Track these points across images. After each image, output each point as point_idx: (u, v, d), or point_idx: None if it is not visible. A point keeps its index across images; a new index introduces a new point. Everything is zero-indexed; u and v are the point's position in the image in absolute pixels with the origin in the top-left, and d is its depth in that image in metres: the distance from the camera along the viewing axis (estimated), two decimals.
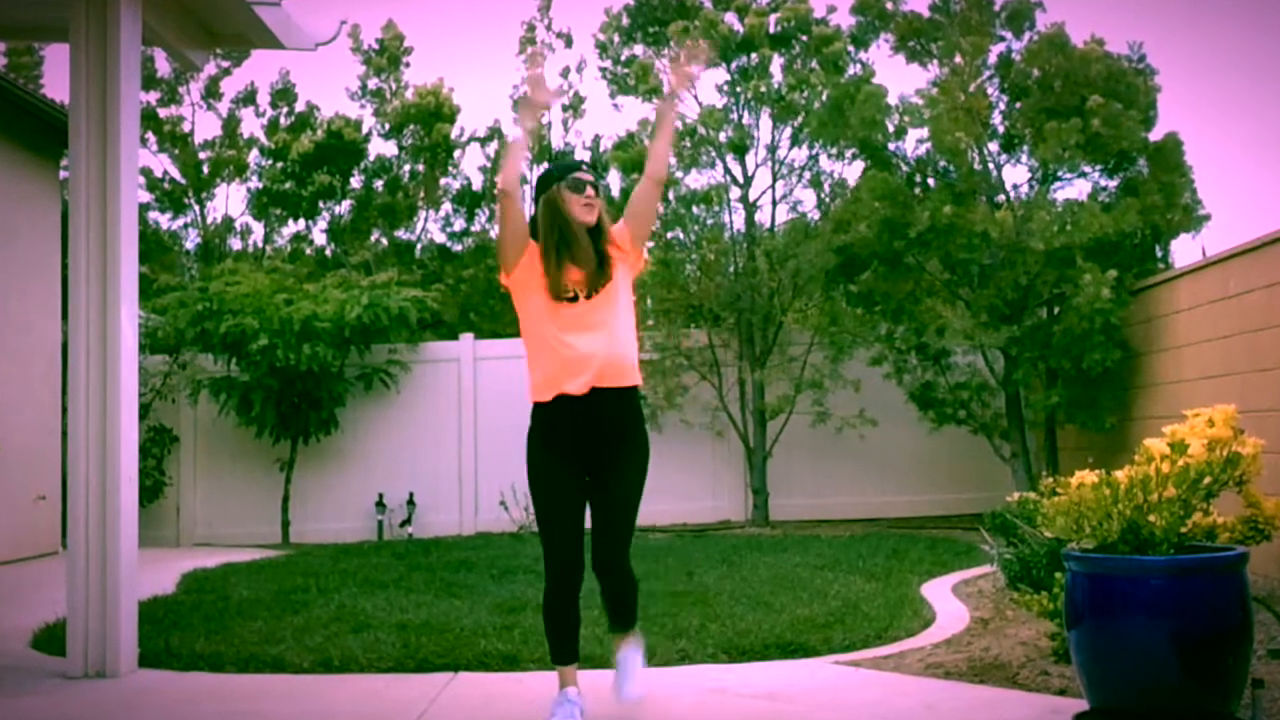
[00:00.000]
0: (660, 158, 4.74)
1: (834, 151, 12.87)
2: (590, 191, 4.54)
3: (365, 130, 20.34)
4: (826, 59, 12.87)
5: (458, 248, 20.91)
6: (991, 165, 11.62)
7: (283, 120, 20.55)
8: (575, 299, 4.47)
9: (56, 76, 21.88)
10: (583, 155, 20.30)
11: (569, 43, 20.49)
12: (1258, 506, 4.70)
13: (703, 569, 8.86)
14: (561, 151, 20.32)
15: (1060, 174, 11.28)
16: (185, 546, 13.04)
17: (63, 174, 11.99)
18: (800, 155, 13.37)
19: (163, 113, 20.01)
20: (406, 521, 13.12)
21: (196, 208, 20.58)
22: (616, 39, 13.69)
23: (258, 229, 21.08)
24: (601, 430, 4.49)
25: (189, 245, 21.09)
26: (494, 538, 12.27)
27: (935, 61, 11.73)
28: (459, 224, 20.94)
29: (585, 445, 4.50)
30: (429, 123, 20.00)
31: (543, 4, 20.53)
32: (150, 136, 19.68)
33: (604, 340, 4.46)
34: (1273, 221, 12.81)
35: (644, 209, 4.72)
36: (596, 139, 20.27)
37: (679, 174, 13.21)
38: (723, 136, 13.12)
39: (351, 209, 20.49)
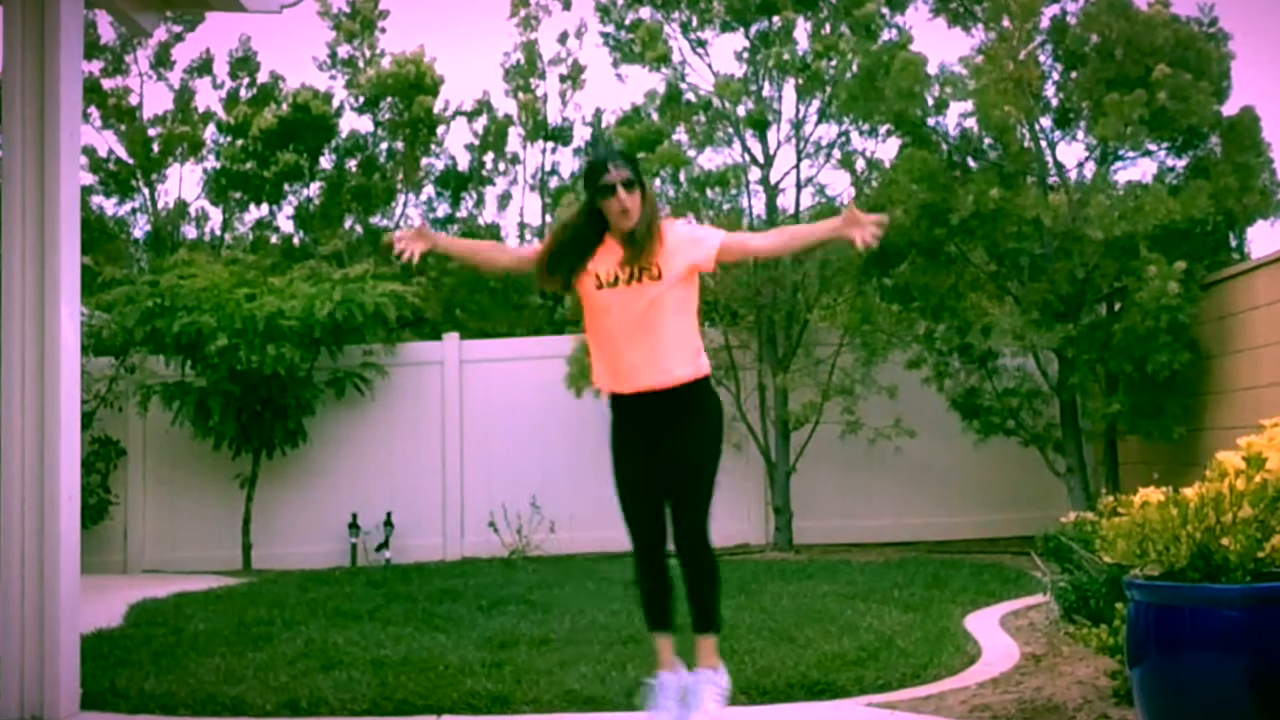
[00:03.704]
0: (781, 249, 5.53)
1: (866, 127, 12.87)
2: (621, 193, 4.96)
3: (336, 104, 20.33)
4: (858, 22, 12.87)
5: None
6: (1044, 143, 11.62)
7: (243, 92, 20.55)
8: (615, 283, 4.99)
9: None
10: (583, 129, 20.32)
11: (567, 4, 20.47)
12: None
13: None
14: (560, 128, 20.33)
15: (1121, 153, 11.28)
16: (133, 573, 13.04)
17: None
18: (828, 132, 13.39)
19: (107, 84, 20.01)
20: (383, 545, 13.12)
21: (146, 191, 20.59)
22: (620, 1, 13.70)
23: (215, 215, 21.09)
24: (660, 419, 5.05)
25: (137, 233, 21.09)
26: (482, 564, 12.28)
27: (980, 25, 11.74)
28: (443, 209, 20.94)
29: (650, 429, 5.07)
30: (408, 95, 20.00)
31: None
32: (93, 111, 19.69)
33: (648, 348, 4.99)
34: None
35: (731, 260, 5.61)
36: (598, 113, 20.26)
37: (691, 152, 13.23)
38: (741, 110, 13.12)
39: (321, 192, 20.49)
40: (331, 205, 20.36)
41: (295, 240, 20.60)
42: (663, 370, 4.99)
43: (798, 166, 13.39)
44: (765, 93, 13.26)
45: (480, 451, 13.40)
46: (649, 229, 5.00)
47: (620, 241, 5.01)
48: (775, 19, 13.08)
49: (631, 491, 5.12)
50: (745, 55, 13.30)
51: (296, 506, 13.49)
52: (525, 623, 8.09)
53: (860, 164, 13.19)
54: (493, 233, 20.80)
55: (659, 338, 4.98)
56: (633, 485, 5.12)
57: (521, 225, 21.00)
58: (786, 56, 12.89)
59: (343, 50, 20.67)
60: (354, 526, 13.17)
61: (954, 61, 11.56)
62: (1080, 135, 11.61)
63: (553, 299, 18.33)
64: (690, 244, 5.10)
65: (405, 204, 20.87)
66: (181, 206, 20.86)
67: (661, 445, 5.06)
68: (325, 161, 20.45)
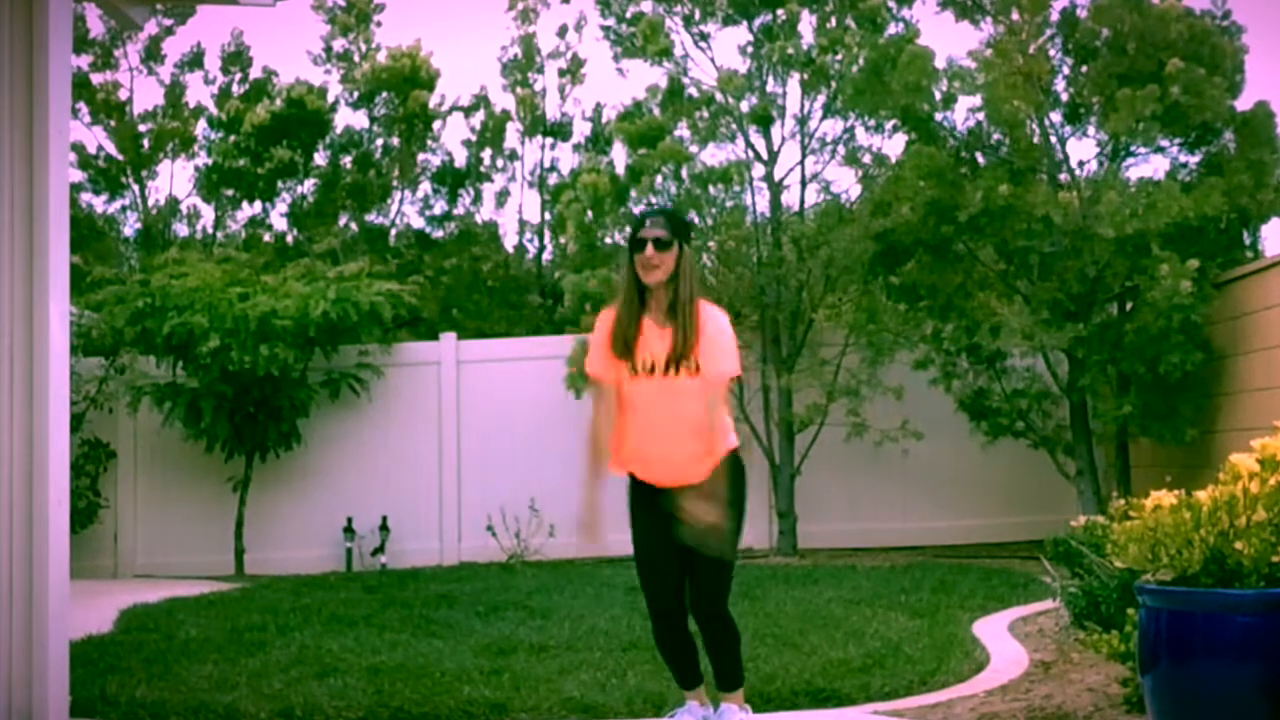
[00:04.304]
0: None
1: (872, 123, 12.86)
2: (650, 250, 4.93)
3: (331, 99, 20.36)
4: (863, 15, 12.87)
5: (438, 234, 20.92)
6: (1054, 139, 11.62)
7: (235, 87, 20.57)
8: (653, 371, 4.98)
9: None
10: (583, 124, 20.31)
11: None
12: None
13: None
14: (559, 123, 20.34)
15: (1133, 149, 11.28)
16: (124, 578, 13.05)
17: None
18: (833, 127, 13.37)
19: (96, 79, 20.02)
20: (379, 549, 13.13)
21: (136, 188, 20.60)
22: None
23: (207, 212, 21.11)
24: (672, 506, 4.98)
25: (128, 231, 21.12)
26: (480, 569, 12.28)
27: (989, 19, 11.74)
28: (440, 206, 20.95)
29: (672, 514, 4.97)
30: (404, 89, 20.01)
31: None
32: (82, 107, 19.70)
33: (679, 446, 5.00)
34: None
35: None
36: (598, 108, 20.28)
37: (694, 149, 13.22)
38: (744, 106, 13.12)
39: (315, 189, 20.50)
40: (326, 202, 20.37)
41: (289, 238, 20.61)
42: (694, 470, 4.96)
43: (802, 163, 13.38)
44: (769, 87, 13.26)
45: (478, 454, 13.40)
46: (690, 297, 4.99)
47: (660, 319, 4.99)
48: (779, 12, 13.08)
49: (650, 571, 5.18)
50: (749, 49, 13.30)
51: (290, 510, 13.49)
52: (524, 629, 8.09)
53: (866, 160, 13.17)
54: (490, 231, 20.83)
55: (692, 436, 4.99)
56: (651, 566, 5.18)
57: (521, 223, 21.02)
58: (791, 50, 12.88)
59: (337, 44, 20.69)
60: (349, 531, 13.17)
61: (962, 55, 11.57)
62: (1091, 131, 11.61)
63: (551, 297, 18.37)
64: (717, 353, 5.04)
65: (401, 201, 20.88)
66: (173, 204, 20.87)
67: (683, 524, 4.98)
68: (319, 158, 20.46)
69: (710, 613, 5.14)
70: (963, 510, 13.29)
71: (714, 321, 5.07)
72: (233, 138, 19.81)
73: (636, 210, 12.85)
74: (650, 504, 5.09)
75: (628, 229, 5.35)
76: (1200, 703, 3.93)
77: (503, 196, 20.96)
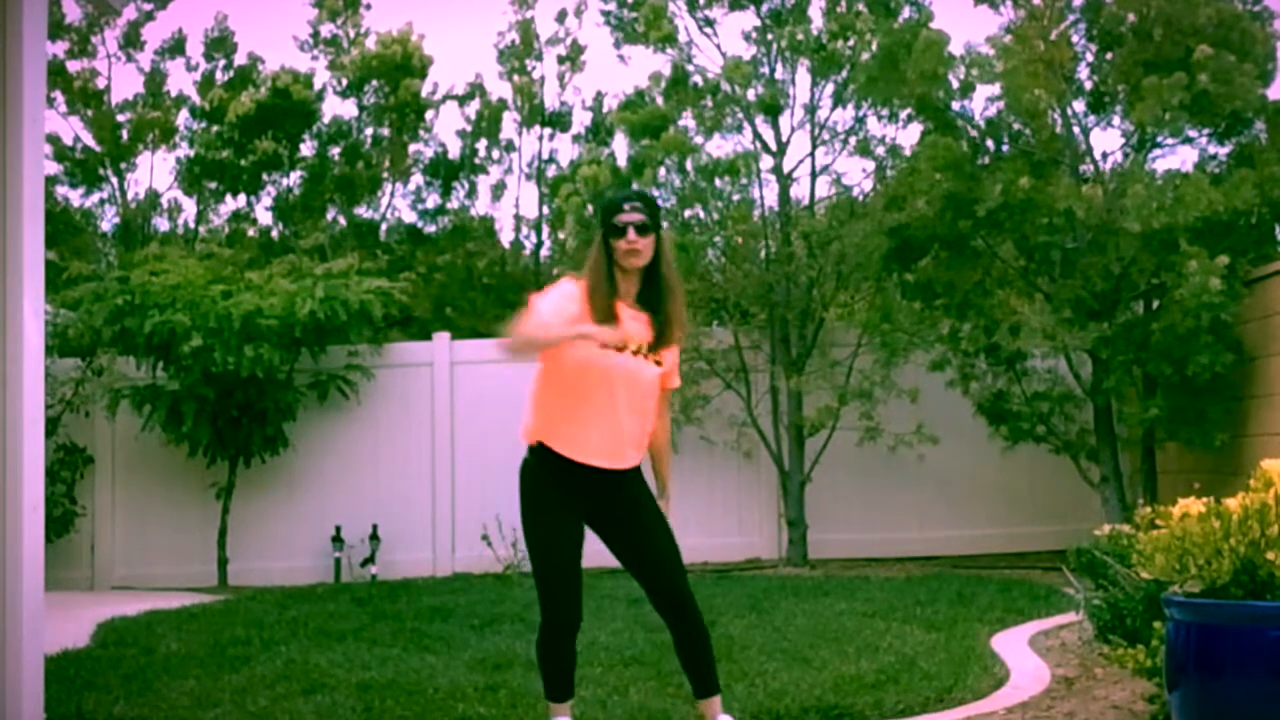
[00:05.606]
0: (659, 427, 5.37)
1: (886, 112, 12.88)
2: (632, 234, 5.06)
3: (318, 87, 20.40)
4: (876, 0, 12.89)
5: (430, 229, 20.98)
6: (1077, 129, 11.62)
7: (218, 75, 20.61)
8: (623, 350, 5.04)
9: None
10: (583, 114, 20.34)
11: None
12: None
13: (727, 617, 8.87)
14: (558, 113, 20.36)
15: (1160, 140, 11.29)
16: (101, 590, 13.06)
17: None
18: (845, 117, 13.40)
19: (72, 66, 20.06)
20: (369, 560, 13.13)
21: (114, 181, 20.65)
22: None
23: (189, 206, 21.18)
24: (612, 493, 5.16)
25: (106, 226, 21.19)
26: (474, 579, 12.29)
27: (1009, 3, 11.75)
28: (432, 200, 21.01)
29: (599, 502, 5.15)
30: (395, 77, 20.05)
31: None
32: (58, 95, 19.73)
33: (638, 430, 5.14)
34: None
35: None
36: (599, 96, 20.33)
37: (699, 139, 13.24)
38: (751, 94, 13.13)
39: (302, 182, 20.55)
40: (313, 196, 20.41)
41: (274, 233, 20.66)
42: (634, 455, 5.19)
43: (812, 154, 13.39)
44: (777, 75, 13.26)
45: (473, 459, 13.39)
46: (674, 283, 5.25)
47: (641, 308, 5.14)
48: None
49: (565, 566, 5.10)
50: (756, 35, 13.31)
51: (276, 518, 13.49)
52: (521, 643, 8.08)
53: (879, 151, 13.19)
54: (485, 225, 20.85)
55: (644, 420, 5.18)
56: (566, 560, 5.11)
57: (517, 218, 21.05)
58: (800, 36, 12.90)
59: (325, 29, 20.72)
60: (338, 540, 13.18)
61: (980, 41, 11.56)
62: (1116, 121, 11.62)
63: None
64: (677, 355, 5.39)
65: (392, 194, 20.92)
66: (153, 197, 20.91)
67: (618, 516, 5.20)
68: (306, 149, 20.51)
69: (684, 596, 5.19)
70: (981, 519, 13.29)
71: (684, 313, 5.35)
72: (216, 128, 19.85)
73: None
74: (571, 488, 5.10)
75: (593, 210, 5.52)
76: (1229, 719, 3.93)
77: (499, 189, 21.02)
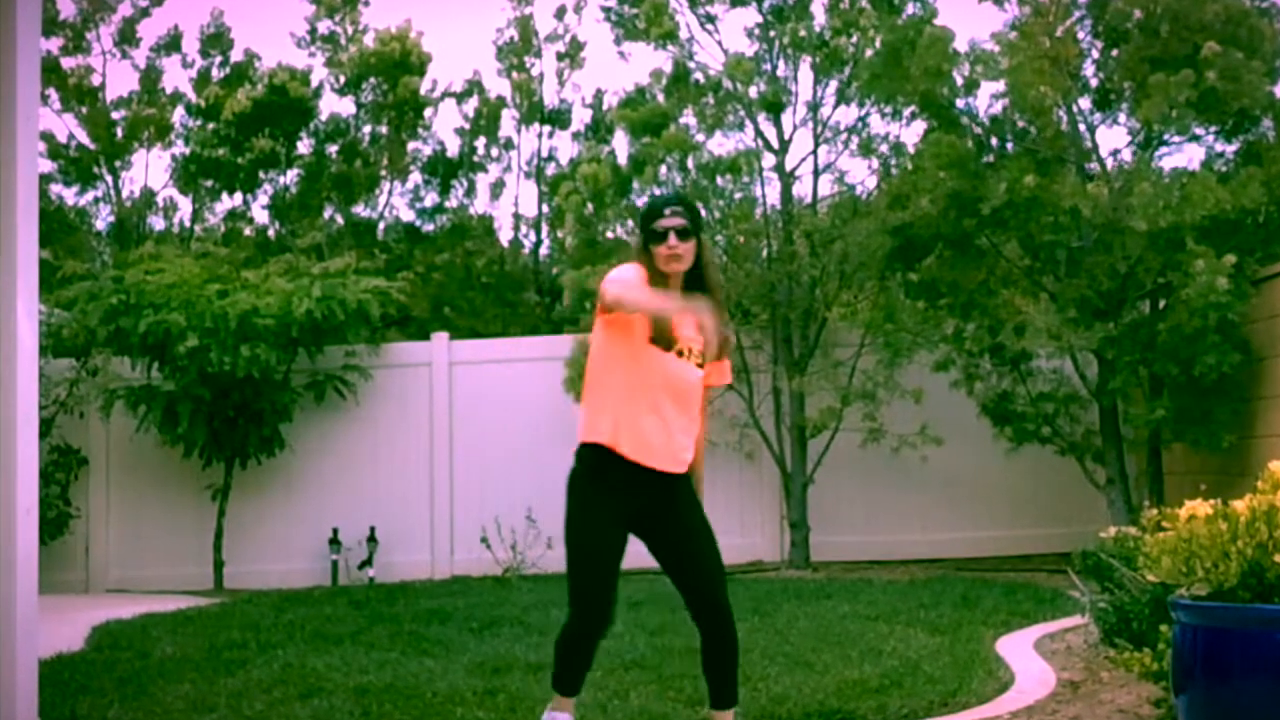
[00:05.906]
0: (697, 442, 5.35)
1: (889, 110, 12.88)
2: (673, 239, 5.06)
3: (315, 84, 20.37)
4: None
5: (429, 227, 20.95)
6: (1083, 126, 11.62)
7: (214, 72, 20.58)
8: (681, 355, 5.10)
9: None
10: (583, 111, 20.32)
11: None
12: None
13: None
14: (557, 110, 20.35)
15: (1167, 137, 11.29)
16: (96, 592, 13.07)
17: None
18: (848, 115, 13.39)
19: (66, 63, 20.04)
20: (367, 562, 13.13)
21: (109, 179, 20.62)
22: None
23: (184, 205, 21.15)
24: (662, 498, 5.17)
25: (100, 225, 21.15)
26: (473, 582, 12.29)
27: None
28: (430, 198, 20.97)
29: (645, 506, 5.15)
30: (393, 75, 20.02)
31: None
32: (52, 92, 19.72)
33: (687, 433, 5.17)
34: None
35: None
36: (599, 94, 20.29)
37: (700, 137, 13.24)
38: (753, 92, 13.13)
39: (299, 180, 20.52)
40: (310, 194, 20.39)
41: (271, 232, 20.64)
42: (684, 459, 5.19)
43: (815, 152, 13.39)
44: (780, 72, 13.26)
45: (472, 461, 13.40)
46: (718, 287, 5.30)
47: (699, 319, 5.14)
48: None
49: (606, 562, 5.13)
50: (758, 32, 13.30)
51: (272, 520, 13.50)
52: (520, 646, 8.09)
53: (883, 149, 13.19)
54: (484, 224, 20.84)
55: (693, 423, 5.22)
56: (607, 555, 5.13)
57: (516, 216, 21.04)
58: (803, 33, 12.90)
59: (323, 26, 20.68)
60: (335, 542, 13.18)
61: (985, 38, 11.57)
62: (1122, 118, 11.62)
63: (549, 294, 18.37)
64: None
65: (390, 193, 20.90)
66: (148, 196, 20.89)
67: (666, 519, 5.21)
68: (303, 147, 20.47)
69: (723, 604, 5.20)
70: (985, 521, 13.29)
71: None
72: (212, 125, 19.82)
73: (640, 201, 12.86)
74: (628, 491, 5.09)
75: (630, 222, 5.44)
76: None
77: (498, 188, 20.97)
